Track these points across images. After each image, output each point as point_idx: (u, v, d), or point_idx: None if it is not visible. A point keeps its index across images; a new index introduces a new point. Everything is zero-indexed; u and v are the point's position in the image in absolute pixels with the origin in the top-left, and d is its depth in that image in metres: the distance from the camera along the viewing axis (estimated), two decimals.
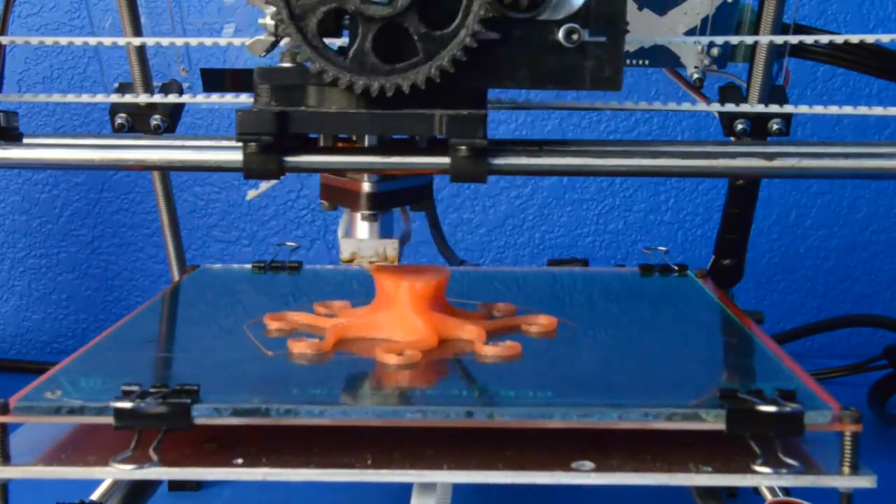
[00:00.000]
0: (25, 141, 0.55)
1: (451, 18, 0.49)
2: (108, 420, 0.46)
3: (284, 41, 0.50)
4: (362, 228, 0.57)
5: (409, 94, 0.49)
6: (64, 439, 0.49)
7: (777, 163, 0.52)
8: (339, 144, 0.55)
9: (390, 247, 0.56)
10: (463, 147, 0.50)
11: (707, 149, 0.53)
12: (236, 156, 0.51)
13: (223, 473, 0.46)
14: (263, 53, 0.52)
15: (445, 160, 0.50)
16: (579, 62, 0.50)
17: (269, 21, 0.50)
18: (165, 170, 0.79)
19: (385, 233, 0.57)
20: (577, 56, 0.50)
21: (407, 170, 0.53)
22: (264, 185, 0.60)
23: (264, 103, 0.50)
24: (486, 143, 0.50)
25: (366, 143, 0.54)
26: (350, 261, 0.57)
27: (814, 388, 0.49)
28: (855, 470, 0.45)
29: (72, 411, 0.47)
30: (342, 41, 0.53)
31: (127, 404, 0.46)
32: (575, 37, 0.50)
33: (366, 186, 0.55)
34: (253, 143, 0.50)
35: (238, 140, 0.50)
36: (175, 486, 0.73)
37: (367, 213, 0.56)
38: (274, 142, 0.50)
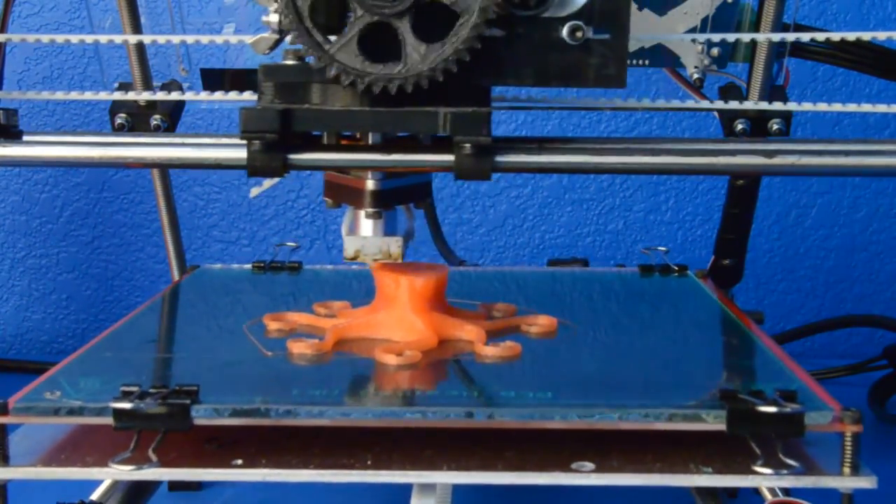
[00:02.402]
0: (25, 138, 0.54)
1: (454, 15, 0.48)
2: (108, 421, 0.46)
3: (288, 38, 0.50)
4: (366, 226, 0.56)
5: (412, 92, 0.49)
6: (63, 440, 0.48)
7: (777, 160, 0.52)
8: (343, 142, 0.55)
9: (394, 244, 0.56)
10: (467, 145, 0.49)
11: (707, 146, 0.53)
12: (239, 153, 0.51)
13: (222, 474, 0.46)
14: (267, 51, 0.51)
15: (450, 158, 0.50)
16: (583, 60, 0.50)
17: (272, 18, 0.50)
18: (167, 167, 0.79)
19: (389, 230, 0.56)
20: (581, 53, 0.50)
21: (411, 167, 0.53)
22: (267, 183, 0.59)
23: (268, 101, 0.50)
24: (490, 140, 0.49)
25: (370, 141, 0.54)
26: (354, 258, 0.56)
27: (814, 389, 0.49)
28: (856, 470, 0.45)
29: (71, 412, 0.47)
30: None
31: (126, 405, 0.46)
32: (579, 34, 0.50)
33: (370, 184, 0.55)
34: (257, 141, 0.50)
35: (242, 138, 0.50)
36: (175, 485, 0.73)
37: (370, 210, 0.56)
38: (278, 139, 0.50)
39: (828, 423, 0.46)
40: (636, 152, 0.52)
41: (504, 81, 0.51)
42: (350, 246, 0.56)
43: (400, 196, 0.57)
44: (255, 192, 0.61)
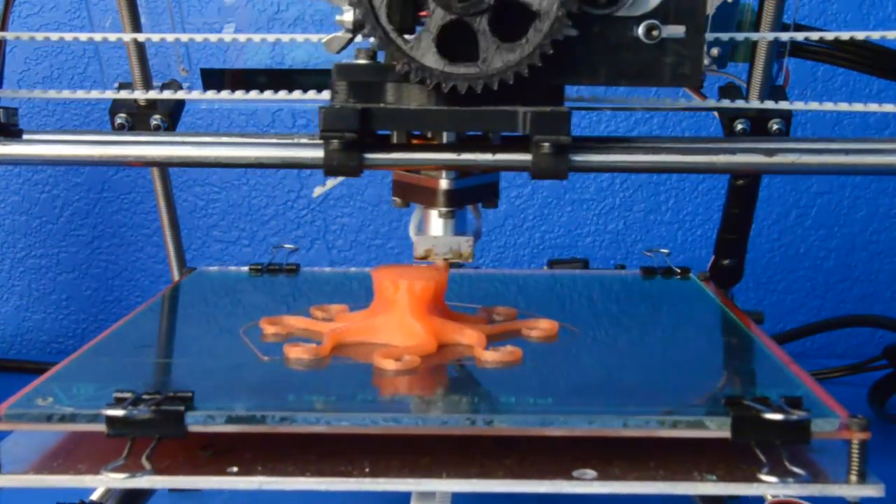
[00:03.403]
0: (25, 137, 0.54)
1: (530, 14, 0.48)
2: (101, 428, 0.45)
3: (364, 38, 0.50)
4: (437, 225, 0.56)
5: (489, 91, 0.49)
6: (56, 447, 0.47)
7: (777, 159, 0.51)
8: (413, 141, 0.55)
9: (465, 244, 0.56)
10: (546, 144, 0.49)
11: (708, 145, 0.53)
12: (310, 153, 0.51)
13: (217, 482, 0.45)
14: (339, 50, 0.51)
15: (527, 157, 0.50)
16: (658, 58, 0.50)
17: (346, 18, 0.50)
18: (171, 166, 0.80)
19: (459, 230, 0.56)
20: (656, 52, 0.50)
21: (488, 167, 0.52)
22: (331, 182, 0.60)
23: (342, 100, 0.50)
24: (570, 139, 0.49)
25: (443, 140, 0.54)
26: (425, 258, 0.56)
27: (820, 395, 0.48)
28: (862, 478, 0.44)
29: (63, 419, 0.46)
30: None
31: (119, 412, 0.45)
32: (655, 33, 0.49)
33: (443, 183, 0.55)
34: (335, 140, 0.49)
35: (321, 137, 0.50)
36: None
37: (443, 210, 0.56)
38: (357, 139, 0.49)
39: (834, 430, 0.45)
40: (653, 151, 0.52)
41: (579, 81, 0.51)
42: (420, 245, 0.56)
43: (470, 195, 0.57)
44: (318, 191, 0.61)
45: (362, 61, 0.50)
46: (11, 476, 0.45)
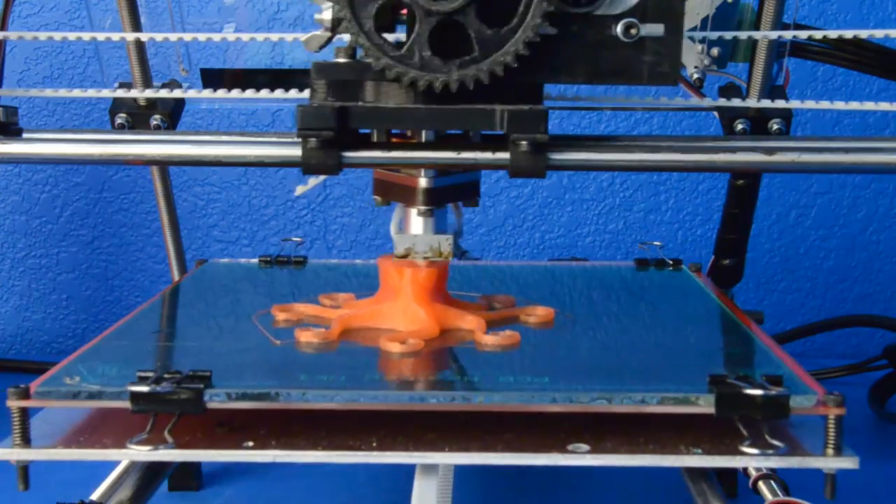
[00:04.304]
0: (25, 136, 0.56)
1: (509, 13, 0.49)
2: (125, 404, 0.49)
3: (343, 36, 0.51)
4: (417, 224, 0.58)
5: (464, 90, 0.50)
6: (81, 423, 0.52)
7: (777, 157, 0.53)
8: (393, 140, 0.56)
9: (445, 242, 0.57)
10: (524, 142, 0.50)
11: (708, 144, 0.54)
12: (289, 151, 0.52)
13: (234, 455, 0.49)
14: (319, 49, 0.52)
15: (505, 156, 0.51)
16: (637, 57, 0.51)
17: (325, 16, 0.51)
18: (179, 165, 0.80)
19: (439, 228, 0.58)
20: (634, 51, 0.51)
21: (466, 165, 0.53)
22: (313, 181, 0.61)
23: (321, 98, 0.51)
24: (547, 138, 0.50)
25: (422, 139, 0.55)
26: (405, 256, 0.58)
27: (799, 374, 0.52)
28: (838, 451, 0.48)
29: (90, 396, 0.50)
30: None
31: (143, 388, 0.49)
32: (633, 31, 0.50)
33: (423, 182, 0.56)
34: (313, 139, 0.51)
35: (298, 135, 0.51)
36: (175, 485, 0.76)
37: (423, 208, 0.57)
38: (334, 137, 0.51)
39: (812, 406, 0.49)
40: (636, 149, 0.54)
41: (556, 79, 0.52)
42: (400, 244, 0.58)
43: (450, 194, 0.58)
44: (300, 190, 0.63)
45: (341, 60, 0.51)
46: (41, 450, 0.49)
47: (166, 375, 0.50)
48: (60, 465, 0.50)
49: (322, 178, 0.57)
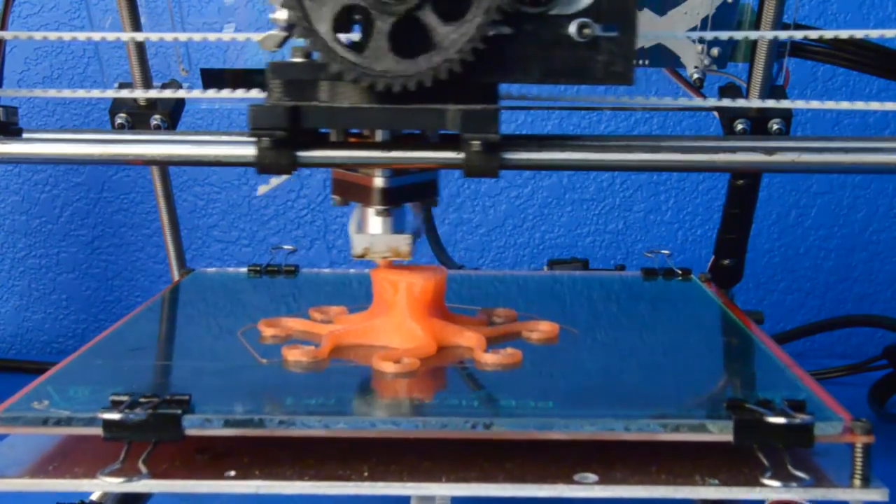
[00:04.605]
0: (25, 136, 0.54)
1: (463, 13, 0.48)
2: (97, 431, 0.44)
3: (297, 35, 0.49)
4: (375, 224, 0.56)
5: (422, 90, 0.49)
6: (52, 450, 0.47)
7: (777, 157, 0.51)
8: (351, 139, 0.54)
9: (403, 242, 0.56)
10: (476, 142, 0.49)
11: (708, 143, 0.52)
12: (248, 150, 0.51)
13: (215, 486, 0.44)
14: (276, 48, 0.51)
15: (458, 155, 0.50)
16: (591, 57, 0.50)
17: (280, 15, 0.49)
18: (172, 164, 0.78)
19: (398, 228, 0.56)
20: (588, 51, 0.50)
21: (420, 164, 0.52)
22: (274, 181, 0.59)
23: (277, 98, 0.50)
24: (499, 137, 0.49)
25: (378, 138, 0.54)
26: (363, 256, 0.56)
27: (823, 398, 0.48)
28: (866, 483, 0.44)
29: (59, 422, 0.45)
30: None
31: (115, 415, 0.44)
32: (587, 31, 0.49)
33: (378, 181, 0.55)
34: (266, 138, 0.49)
35: (251, 135, 0.50)
36: None
37: (379, 208, 0.56)
38: (287, 137, 0.49)
39: (838, 433, 0.44)
40: (637, 149, 0.52)
41: (511, 78, 0.51)
42: (359, 244, 0.56)
43: (408, 194, 0.56)
44: (262, 189, 0.61)
45: (297, 59, 0.50)
46: (6, 480, 0.44)
47: (142, 400, 0.45)
48: None
49: (284, 177, 0.55)
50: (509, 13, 0.48)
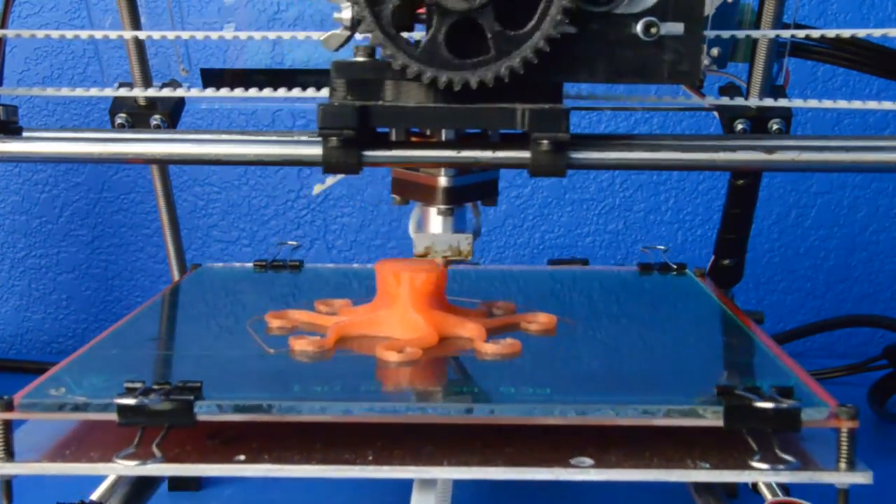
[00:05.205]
0: (25, 135, 0.54)
1: (528, 13, 0.48)
2: (112, 417, 0.46)
3: (361, 35, 0.50)
4: (436, 223, 0.56)
5: (483, 89, 0.49)
6: (67, 436, 0.49)
7: (777, 156, 0.52)
8: (412, 139, 0.55)
9: (464, 241, 0.56)
10: (545, 141, 0.49)
11: (708, 142, 0.53)
12: (310, 150, 0.51)
13: (225, 469, 0.47)
14: (338, 48, 0.52)
15: (526, 154, 0.50)
16: (657, 56, 0.50)
17: (344, 15, 0.50)
18: (171, 164, 0.79)
19: (458, 227, 0.57)
20: (654, 50, 0.50)
21: (487, 164, 0.52)
22: (330, 180, 0.60)
23: (341, 98, 0.50)
24: (568, 136, 0.49)
25: (442, 138, 0.54)
26: (424, 255, 0.56)
27: (811, 385, 0.50)
28: (851, 466, 0.46)
29: (76, 408, 0.47)
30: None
31: (130, 401, 0.46)
32: (653, 30, 0.50)
33: (442, 181, 0.55)
34: (334, 138, 0.50)
35: (319, 134, 0.50)
36: (175, 485, 0.73)
37: (442, 207, 0.56)
38: (355, 136, 0.50)
39: (824, 419, 0.46)
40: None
41: (576, 78, 0.51)
42: (420, 243, 0.56)
43: (470, 193, 0.57)
44: (318, 189, 0.62)
45: (360, 59, 0.50)
46: (25, 464, 0.46)
47: (155, 386, 0.47)
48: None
49: (339, 177, 0.56)
50: (574, 12, 0.48)
